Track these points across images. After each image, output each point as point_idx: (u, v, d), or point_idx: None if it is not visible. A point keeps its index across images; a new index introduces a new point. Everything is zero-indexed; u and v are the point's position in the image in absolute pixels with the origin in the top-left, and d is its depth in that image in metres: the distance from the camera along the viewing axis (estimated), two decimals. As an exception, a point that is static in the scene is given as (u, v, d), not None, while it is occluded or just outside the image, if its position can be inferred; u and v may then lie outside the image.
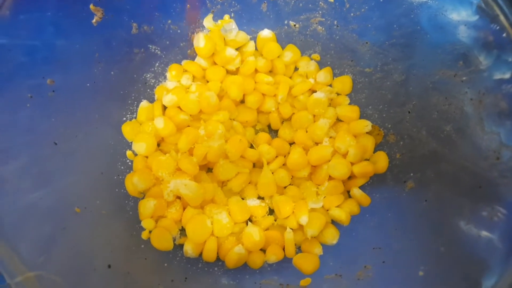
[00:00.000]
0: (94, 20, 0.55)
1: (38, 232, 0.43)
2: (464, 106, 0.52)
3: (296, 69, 0.69)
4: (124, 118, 0.62)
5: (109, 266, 0.46)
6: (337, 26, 0.64)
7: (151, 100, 0.65)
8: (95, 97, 0.57)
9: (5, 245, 0.38)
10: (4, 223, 0.40)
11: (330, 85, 0.67)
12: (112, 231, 0.52)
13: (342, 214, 0.59)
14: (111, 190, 0.57)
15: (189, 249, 0.56)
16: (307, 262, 0.56)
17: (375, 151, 0.63)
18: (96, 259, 0.46)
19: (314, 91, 0.65)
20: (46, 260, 0.40)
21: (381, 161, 0.61)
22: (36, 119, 0.49)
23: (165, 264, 0.54)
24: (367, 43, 0.62)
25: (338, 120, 0.66)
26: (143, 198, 0.59)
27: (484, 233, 0.45)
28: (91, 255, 0.46)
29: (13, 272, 0.37)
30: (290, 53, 0.67)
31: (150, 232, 0.57)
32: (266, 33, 0.67)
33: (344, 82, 0.66)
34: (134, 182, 0.57)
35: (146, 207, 0.57)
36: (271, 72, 0.69)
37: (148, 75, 0.65)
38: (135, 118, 0.63)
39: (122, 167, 0.60)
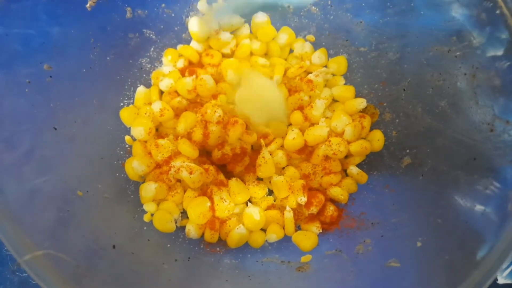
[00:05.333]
0: (88, 5, 0.55)
1: (44, 215, 0.43)
2: (458, 81, 0.53)
3: (291, 51, 0.69)
4: (121, 104, 0.62)
5: (114, 247, 0.47)
6: (331, 6, 0.64)
7: (147, 85, 0.65)
8: (92, 82, 0.57)
9: (13, 226, 0.38)
10: (12, 206, 0.40)
11: (326, 66, 0.67)
12: (115, 214, 0.53)
13: (340, 193, 0.60)
14: (111, 175, 0.57)
15: (192, 230, 0.57)
16: (305, 240, 0.57)
17: (371, 129, 0.63)
18: (101, 240, 0.47)
19: (310, 73, 0.66)
20: (53, 240, 0.41)
21: (377, 139, 0.62)
22: (35, 105, 0.49)
23: (168, 245, 0.55)
24: (361, 22, 0.63)
25: (334, 100, 0.66)
26: (143, 182, 0.59)
27: (479, 204, 0.47)
28: (96, 236, 0.47)
29: (22, 250, 0.38)
30: (285, 35, 0.68)
31: (152, 215, 0.57)
32: (260, 15, 0.67)
33: (339, 63, 0.67)
34: (134, 167, 0.58)
35: (147, 190, 0.57)
36: (266, 54, 0.69)
37: (144, 60, 0.65)
38: (132, 103, 0.63)
39: (121, 152, 0.60)
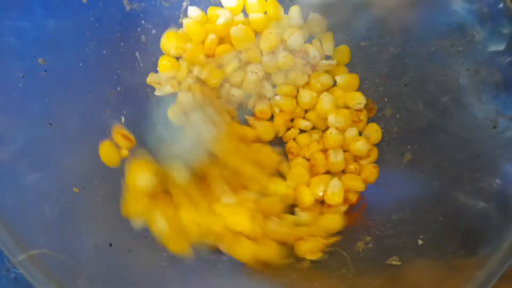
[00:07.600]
0: (84, -3, 0.54)
1: (38, 212, 0.42)
2: (460, 76, 0.52)
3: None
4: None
5: (111, 245, 0.46)
6: (331, -1, 0.63)
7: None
8: (88, 76, 0.55)
9: (6, 226, 0.38)
10: (4, 204, 0.39)
11: (329, 57, 0.65)
12: (111, 211, 0.52)
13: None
14: (107, 171, 0.56)
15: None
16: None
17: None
18: (97, 237, 0.46)
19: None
20: (48, 239, 0.40)
21: (375, 130, 0.61)
22: (30, 100, 0.47)
23: (166, 242, 0.54)
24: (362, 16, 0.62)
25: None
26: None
27: (481, 202, 0.46)
28: (92, 233, 0.46)
29: (16, 250, 0.37)
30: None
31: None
32: None
33: (342, 52, 0.65)
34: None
35: None
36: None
37: (141, 54, 0.63)
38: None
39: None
